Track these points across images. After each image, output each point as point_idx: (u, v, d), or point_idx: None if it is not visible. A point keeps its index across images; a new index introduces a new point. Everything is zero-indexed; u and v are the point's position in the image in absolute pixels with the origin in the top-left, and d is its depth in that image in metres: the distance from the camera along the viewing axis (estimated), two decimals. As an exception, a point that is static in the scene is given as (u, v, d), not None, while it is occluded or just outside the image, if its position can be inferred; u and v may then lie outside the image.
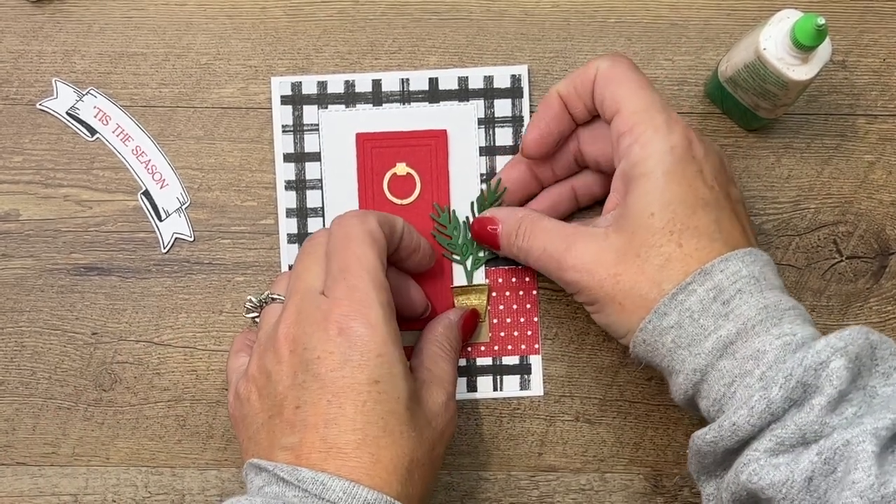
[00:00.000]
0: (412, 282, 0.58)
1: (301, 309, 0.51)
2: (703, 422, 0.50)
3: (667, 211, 0.50)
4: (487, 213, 0.58)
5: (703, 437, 0.48)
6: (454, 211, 0.60)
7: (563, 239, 0.53)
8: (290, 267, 0.59)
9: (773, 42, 0.53)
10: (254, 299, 0.58)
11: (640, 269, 0.50)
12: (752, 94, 0.56)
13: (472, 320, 0.59)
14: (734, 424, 0.46)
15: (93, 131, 0.61)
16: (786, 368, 0.46)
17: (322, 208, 0.60)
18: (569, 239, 0.53)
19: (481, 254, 0.60)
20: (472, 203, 0.60)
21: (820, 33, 0.51)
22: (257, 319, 0.58)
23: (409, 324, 0.58)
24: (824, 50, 0.53)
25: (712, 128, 0.61)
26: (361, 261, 0.51)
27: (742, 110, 0.59)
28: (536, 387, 0.61)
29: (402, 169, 0.60)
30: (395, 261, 0.56)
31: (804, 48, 0.52)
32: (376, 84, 0.61)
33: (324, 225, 0.60)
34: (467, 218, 0.60)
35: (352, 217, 0.53)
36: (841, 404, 0.46)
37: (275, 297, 0.56)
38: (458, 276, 0.60)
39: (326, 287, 0.51)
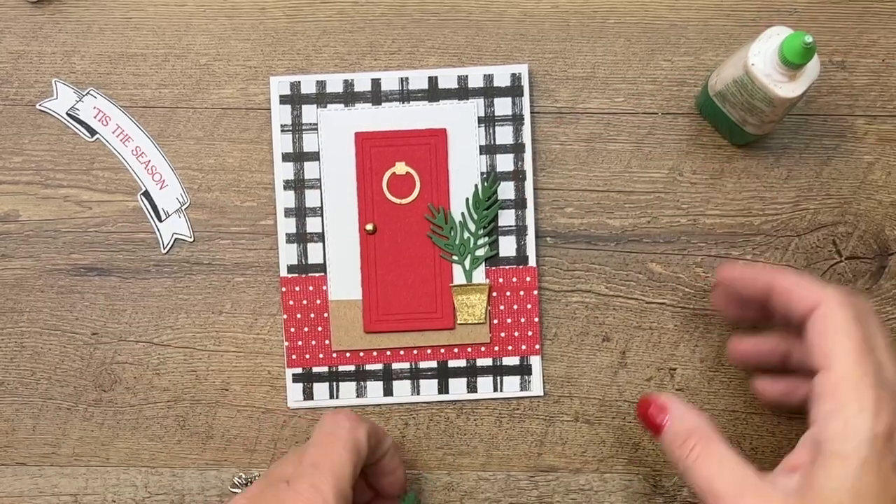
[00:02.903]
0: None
1: (262, 491, 0.50)
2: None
3: None
4: (662, 397, 0.53)
5: None
6: (449, 211, 0.60)
7: (733, 484, 0.48)
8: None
9: (761, 58, 0.54)
10: (243, 476, 0.59)
11: None
12: (739, 109, 0.57)
13: None
14: None
15: (93, 132, 0.61)
16: None
17: (321, 208, 0.60)
18: (739, 487, 0.48)
19: (479, 252, 0.60)
20: (467, 200, 0.60)
21: (807, 51, 0.51)
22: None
23: (405, 324, 0.59)
24: (812, 69, 0.54)
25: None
26: (335, 464, 0.50)
27: (730, 125, 0.59)
28: (536, 387, 0.61)
29: (401, 168, 0.60)
30: (367, 475, 0.56)
31: (792, 65, 0.52)
32: (375, 83, 0.61)
33: (321, 224, 0.60)
34: (463, 215, 0.60)
35: (345, 419, 0.52)
36: None
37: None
38: (458, 276, 0.60)
39: (293, 476, 0.50)
